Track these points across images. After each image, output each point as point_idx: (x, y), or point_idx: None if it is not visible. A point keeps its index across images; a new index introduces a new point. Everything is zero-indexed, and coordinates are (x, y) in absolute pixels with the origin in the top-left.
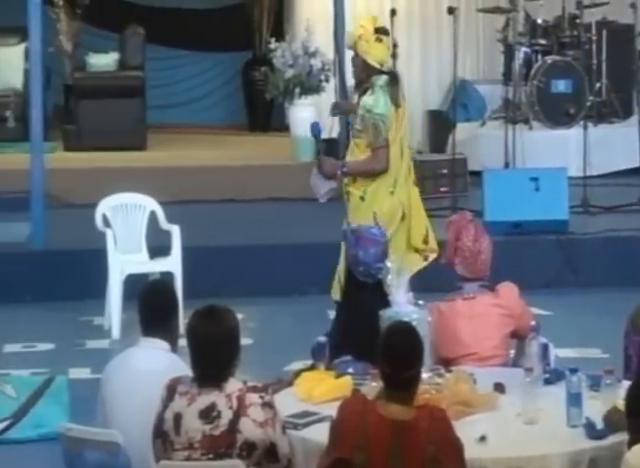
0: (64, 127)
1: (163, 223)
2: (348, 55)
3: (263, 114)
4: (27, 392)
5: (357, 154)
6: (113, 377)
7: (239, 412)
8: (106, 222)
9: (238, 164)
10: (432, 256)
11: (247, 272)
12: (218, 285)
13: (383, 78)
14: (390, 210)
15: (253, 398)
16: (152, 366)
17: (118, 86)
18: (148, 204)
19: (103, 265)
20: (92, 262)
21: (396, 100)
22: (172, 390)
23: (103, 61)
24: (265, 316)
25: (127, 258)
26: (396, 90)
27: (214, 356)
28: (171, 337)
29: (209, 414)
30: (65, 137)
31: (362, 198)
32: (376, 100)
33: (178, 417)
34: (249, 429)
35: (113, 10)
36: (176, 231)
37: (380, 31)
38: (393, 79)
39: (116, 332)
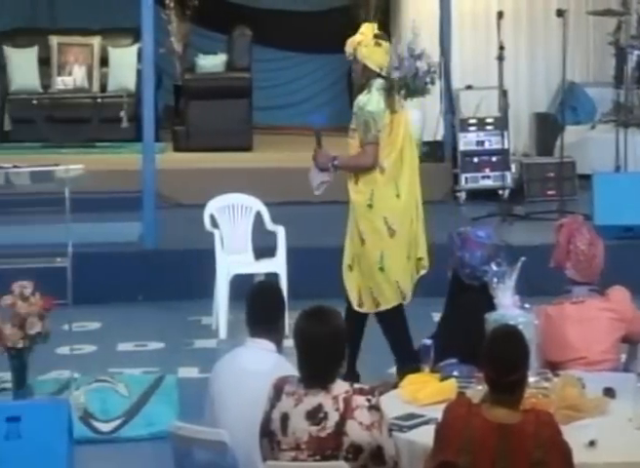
0: (174, 127)
1: (268, 224)
2: (454, 57)
3: None
4: (139, 391)
5: (351, 153)
6: (220, 377)
7: (346, 415)
8: (214, 223)
9: None
10: (423, 272)
11: None
12: (322, 286)
13: (380, 81)
14: (402, 211)
15: (359, 400)
16: (259, 366)
17: (226, 87)
18: (254, 205)
19: (211, 265)
20: (200, 262)
21: (392, 106)
22: (279, 389)
23: (212, 63)
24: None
25: (233, 259)
26: (392, 95)
27: (320, 357)
28: (277, 338)
29: (316, 416)
30: (175, 138)
31: (370, 206)
32: (369, 99)
33: (285, 418)
34: (355, 432)
35: (221, 11)
36: (281, 232)
37: (379, 36)
38: (391, 85)
39: (223, 332)
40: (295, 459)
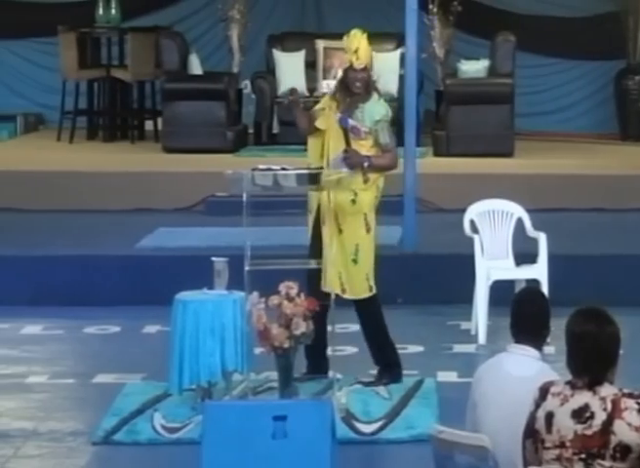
0: (434, 132)
1: (530, 231)
2: None
3: (636, 123)
4: (399, 393)
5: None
6: (483, 382)
7: (614, 415)
8: (474, 228)
9: (608, 173)
10: None
11: (614, 282)
12: (584, 293)
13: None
14: (375, 212)
15: (629, 403)
16: (523, 372)
17: (487, 93)
18: (515, 211)
19: (470, 270)
20: (459, 267)
21: None
22: (544, 391)
23: (474, 68)
24: (636, 327)
25: (493, 264)
26: None
27: (594, 358)
28: (540, 345)
29: (581, 415)
30: (435, 143)
31: (353, 201)
32: (383, 105)
33: (549, 416)
34: (624, 432)
35: (485, 17)
36: (542, 239)
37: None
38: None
39: (482, 338)
40: (559, 457)
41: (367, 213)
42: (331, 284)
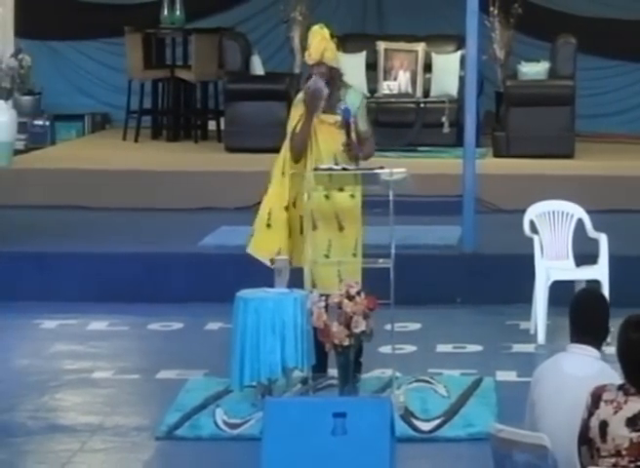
0: (494, 133)
1: (590, 231)
2: None
3: None
4: (457, 392)
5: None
6: (542, 381)
7: None
8: (534, 229)
9: None
10: None
11: None
12: None
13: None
14: None
15: None
16: (583, 372)
17: (548, 94)
18: (575, 212)
19: (530, 271)
20: (518, 267)
21: None
22: (597, 397)
23: (534, 70)
24: None
25: (553, 265)
26: None
27: None
28: (600, 345)
29: (636, 422)
30: (495, 144)
31: (352, 196)
32: (362, 93)
33: (603, 425)
34: None
35: (545, 19)
36: (603, 240)
37: (333, 36)
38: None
39: (542, 337)
40: (615, 466)
41: (361, 207)
42: (329, 284)
